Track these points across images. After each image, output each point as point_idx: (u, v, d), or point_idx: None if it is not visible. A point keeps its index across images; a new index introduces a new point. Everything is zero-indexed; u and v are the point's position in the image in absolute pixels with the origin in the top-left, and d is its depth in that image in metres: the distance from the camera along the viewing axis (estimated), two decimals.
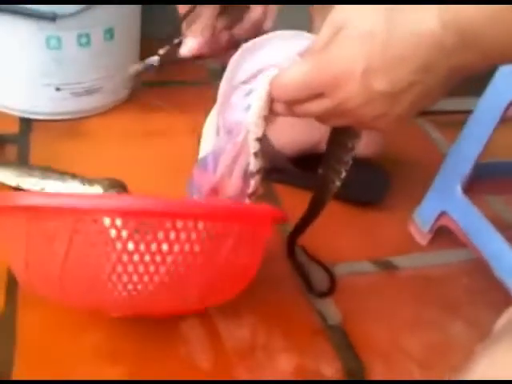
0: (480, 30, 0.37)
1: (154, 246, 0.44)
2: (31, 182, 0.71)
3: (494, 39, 0.37)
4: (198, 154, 0.84)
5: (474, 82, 0.65)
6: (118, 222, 0.43)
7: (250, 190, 0.52)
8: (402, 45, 0.39)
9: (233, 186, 0.51)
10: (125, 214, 0.43)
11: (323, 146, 0.78)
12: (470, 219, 0.67)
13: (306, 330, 0.61)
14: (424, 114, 1.00)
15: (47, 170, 0.72)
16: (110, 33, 0.83)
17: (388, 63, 0.40)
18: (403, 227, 0.76)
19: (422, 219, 0.74)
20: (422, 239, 0.74)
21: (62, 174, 0.72)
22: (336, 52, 0.41)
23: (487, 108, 0.65)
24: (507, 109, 0.62)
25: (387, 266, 0.71)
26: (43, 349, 0.54)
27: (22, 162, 0.78)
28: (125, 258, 0.44)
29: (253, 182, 0.52)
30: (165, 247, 0.44)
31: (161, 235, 0.44)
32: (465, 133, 0.68)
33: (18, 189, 0.71)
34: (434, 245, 0.74)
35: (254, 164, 0.51)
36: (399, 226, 0.76)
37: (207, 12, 0.53)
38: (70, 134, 0.86)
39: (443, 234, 0.72)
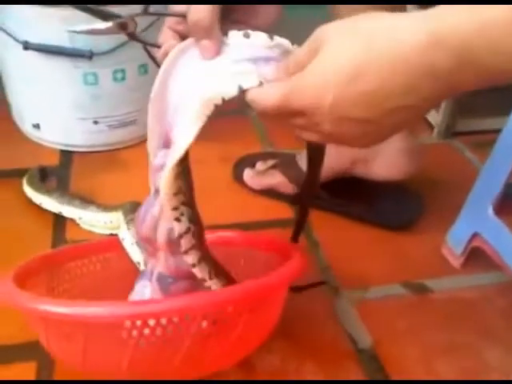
0: (476, 50, 0.36)
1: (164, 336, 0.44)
2: (70, 211, 0.74)
3: (493, 59, 0.36)
4: (230, 181, 0.86)
5: (508, 101, 0.65)
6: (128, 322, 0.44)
7: (183, 249, 0.49)
8: (379, 74, 0.38)
9: (159, 245, 0.50)
10: (135, 317, 0.44)
11: (353, 172, 0.79)
12: (502, 240, 0.65)
13: (337, 354, 0.61)
14: (457, 134, 1.00)
15: (84, 201, 0.75)
16: (144, 68, 0.87)
17: (363, 93, 0.39)
18: (436, 249, 0.75)
19: (455, 241, 0.73)
20: (456, 261, 0.73)
21: (93, 204, 0.75)
22: (308, 80, 0.41)
23: None
24: None
25: (420, 289, 0.70)
26: None
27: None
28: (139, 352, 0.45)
29: (183, 241, 0.49)
30: (177, 336, 0.45)
31: (170, 329, 0.44)
32: (494, 153, 0.67)
33: (60, 215, 0.75)
34: (468, 267, 0.73)
35: (178, 228, 0.48)
36: (432, 249, 0.76)
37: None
38: (108, 165, 0.89)
39: (477, 256, 0.71)
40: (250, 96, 0.44)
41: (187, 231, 0.49)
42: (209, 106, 0.44)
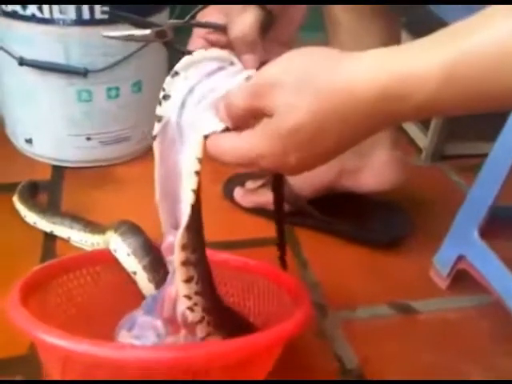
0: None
1: None
2: (60, 230, 0.75)
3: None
4: (220, 199, 0.87)
5: (495, 127, 0.67)
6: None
7: (198, 336, 0.48)
8: (310, 127, 0.39)
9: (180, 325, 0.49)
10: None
11: (341, 186, 0.80)
12: (487, 263, 0.67)
13: (324, 374, 0.61)
14: (445, 158, 1.02)
15: (74, 220, 0.75)
16: (137, 85, 0.88)
17: (299, 145, 0.40)
18: (423, 271, 0.76)
19: (441, 263, 0.74)
20: (442, 283, 0.74)
21: (82, 223, 0.75)
22: (265, 145, 0.41)
23: (501, 153, 0.66)
24: None
25: (406, 310, 0.71)
26: None
27: (54, 208, 0.82)
28: None
29: (198, 329, 0.48)
30: None
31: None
32: (480, 177, 0.69)
33: (51, 235, 0.75)
34: (454, 289, 0.74)
35: (191, 317, 0.47)
36: (419, 270, 0.77)
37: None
38: (100, 181, 0.90)
39: (463, 278, 0.72)
40: (209, 152, 0.44)
41: (201, 320, 0.48)
42: (191, 177, 0.45)
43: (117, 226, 0.63)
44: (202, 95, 0.46)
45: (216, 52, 0.48)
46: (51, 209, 0.80)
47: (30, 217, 0.77)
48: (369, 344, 0.65)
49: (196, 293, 0.47)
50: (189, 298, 0.47)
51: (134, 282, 0.60)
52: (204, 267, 0.49)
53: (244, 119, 0.43)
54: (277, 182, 0.58)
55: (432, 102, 0.36)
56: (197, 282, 0.47)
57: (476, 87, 0.35)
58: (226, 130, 0.44)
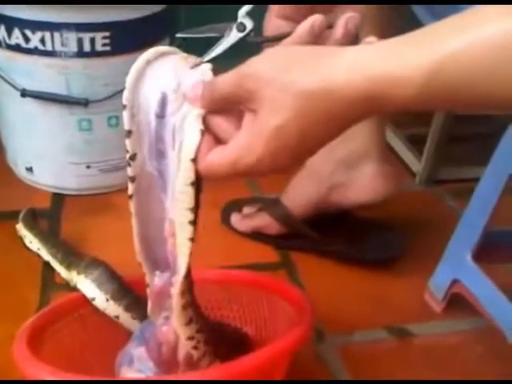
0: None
1: None
2: (53, 263, 0.74)
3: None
4: (218, 225, 0.88)
5: (488, 151, 0.69)
6: None
7: (201, 367, 0.50)
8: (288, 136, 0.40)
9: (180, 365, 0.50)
10: None
11: (331, 201, 0.81)
12: (481, 287, 0.68)
13: None
14: (439, 182, 1.03)
15: (67, 253, 0.74)
16: None
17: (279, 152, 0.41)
18: (419, 294, 0.77)
19: (436, 287, 0.75)
20: (437, 306, 0.75)
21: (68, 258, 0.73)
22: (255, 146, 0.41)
23: (492, 177, 0.68)
24: (510, 179, 0.65)
25: (403, 334, 0.72)
26: None
27: (54, 236, 0.83)
28: None
29: (202, 363, 0.50)
30: None
31: None
32: (472, 202, 0.70)
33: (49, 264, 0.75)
34: (450, 312, 0.74)
35: (196, 355, 0.49)
36: (415, 293, 0.78)
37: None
38: (99, 208, 0.91)
39: (459, 301, 0.73)
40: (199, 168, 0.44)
41: (204, 354, 0.49)
42: (186, 226, 0.45)
43: (88, 270, 0.62)
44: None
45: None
46: (53, 239, 0.80)
47: (35, 243, 0.78)
48: (366, 368, 0.66)
49: (197, 331, 0.49)
50: (192, 338, 0.48)
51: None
52: (195, 301, 0.50)
53: (222, 105, 0.43)
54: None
55: (415, 101, 0.36)
56: (196, 321, 0.49)
57: (462, 89, 0.35)
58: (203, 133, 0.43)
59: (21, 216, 0.81)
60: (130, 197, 0.47)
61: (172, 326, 0.48)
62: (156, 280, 0.49)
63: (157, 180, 0.47)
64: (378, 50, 0.38)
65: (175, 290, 0.46)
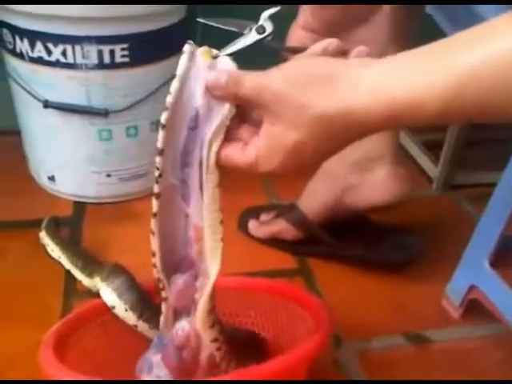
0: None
1: None
2: (75, 272, 0.75)
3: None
4: (235, 232, 0.89)
5: (505, 155, 0.69)
6: None
7: (221, 368, 0.51)
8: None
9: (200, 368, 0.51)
10: None
11: (345, 203, 0.82)
12: (498, 293, 0.68)
13: None
14: (456, 187, 1.03)
15: (87, 262, 0.75)
16: (155, 124, 0.91)
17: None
18: (436, 300, 0.78)
19: (454, 293, 0.75)
20: (455, 312, 0.75)
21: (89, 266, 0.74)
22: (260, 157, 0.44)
23: (509, 182, 0.68)
24: None
25: (421, 340, 0.72)
26: None
27: (76, 245, 0.85)
28: None
29: (223, 363, 0.51)
30: None
31: None
32: (489, 207, 0.71)
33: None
34: (468, 318, 0.75)
35: (219, 356, 0.50)
36: (432, 299, 0.78)
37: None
38: (119, 216, 0.93)
39: (476, 307, 0.73)
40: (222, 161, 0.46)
41: (225, 355, 0.51)
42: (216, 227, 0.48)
43: (110, 279, 0.63)
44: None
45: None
46: (73, 247, 0.81)
47: (56, 252, 0.79)
48: (384, 374, 0.66)
49: (219, 332, 0.50)
50: (216, 340, 0.49)
51: None
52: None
53: (242, 103, 0.44)
54: None
55: (434, 120, 0.37)
56: (219, 323, 0.50)
57: (482, 104, 0.35)
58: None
59: (44, 224, 0.83)
60: (155, 215, 0.48)
61: (192, 330, 0.50)
62: (179, 281, 0.50)
63: (178, 189, 0.49)
64: (397, 70, 0.38)
65: (204, 294, 0.47)
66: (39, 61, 0.84)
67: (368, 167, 0.79)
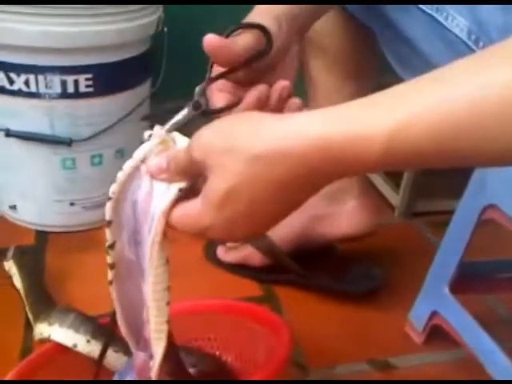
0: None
1: None
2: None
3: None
4: (200, 260, 0.89)
5: (466, 184, 0.71)
6: None
7: None
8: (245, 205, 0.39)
9: None
10: None
11: (314, 233, 0.83)
12: (458, 318, 0.69)
13: None
14: (417, 215, 1.05)
15: (36, 299, 0.72)
16: (120, 152, 0.91)
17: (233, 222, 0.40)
18: (399, 326, 0.79)
19: (416, 319, 0.77)
20: (418, 338, 0.76)
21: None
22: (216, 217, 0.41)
23: (465, 210, 0.70)
24: (482, 213, 0.67)
25: (384, 367, 0.73)
26: None
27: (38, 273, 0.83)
28: None
29: None
30: None
31: None
32: (448, 234, 0.72)
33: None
34: (430, 344, 0.76)
35: None
36: (396, 325, 0.79)
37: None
38: (83, 245, 0.91)
39: (438, 333, 0.74)
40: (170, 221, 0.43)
41: None
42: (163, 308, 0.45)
43: (61, 318, 0.61)
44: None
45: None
46: (33, 279, 0.77)
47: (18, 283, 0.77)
48: None
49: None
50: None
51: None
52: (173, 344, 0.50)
53: (184, 177, 0.43)
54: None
55: (379, 164, 0.35)
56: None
57: (424, 149, 0.34)
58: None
59: (10, 254, 0.80)
60: (110, 283, 0.46)
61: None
62: (140, 356, 0.49)
63: (135, 265, 0.46)
64: (335, 110, 0.37)
65: (153, 373, 0.46)
66: (1, 90, 0.83)
67: (337, 198, 0.81)
